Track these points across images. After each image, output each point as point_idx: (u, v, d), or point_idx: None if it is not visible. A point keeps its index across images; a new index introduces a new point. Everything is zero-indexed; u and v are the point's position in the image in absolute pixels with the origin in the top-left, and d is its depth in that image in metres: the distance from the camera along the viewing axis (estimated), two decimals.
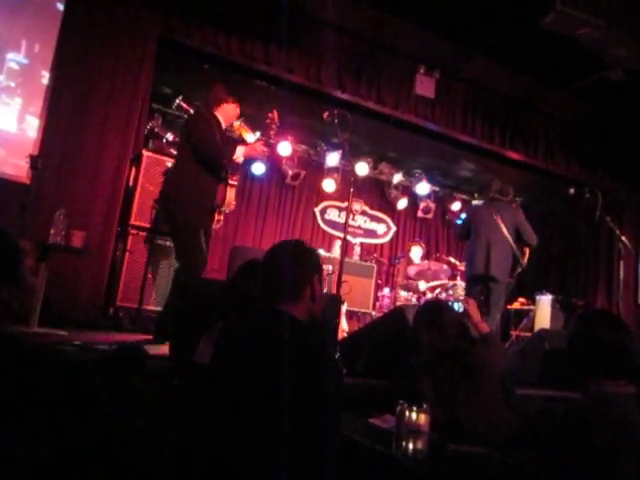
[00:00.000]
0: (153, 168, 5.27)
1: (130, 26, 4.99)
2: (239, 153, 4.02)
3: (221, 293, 2.70)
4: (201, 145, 3.86)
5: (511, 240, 4.93)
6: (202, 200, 3.91)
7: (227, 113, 4.14)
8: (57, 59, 4.69)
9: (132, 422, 1.84)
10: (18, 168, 4.44)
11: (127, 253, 5.06)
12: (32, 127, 4.62)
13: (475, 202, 8.31)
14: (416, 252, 7.61)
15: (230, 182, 4.22)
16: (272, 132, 4.33)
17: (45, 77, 4.69)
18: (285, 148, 7.36)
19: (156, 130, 6.35)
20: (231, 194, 4.19)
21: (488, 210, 5.08)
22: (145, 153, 5.28)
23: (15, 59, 4.63)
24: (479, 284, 5.02)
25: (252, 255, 4.27)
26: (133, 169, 5.21)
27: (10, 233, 1.46)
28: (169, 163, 5.31)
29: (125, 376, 2.11)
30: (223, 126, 4.14)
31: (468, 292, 5.23)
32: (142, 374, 2.23)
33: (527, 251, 5.14)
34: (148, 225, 5.10)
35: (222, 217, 4.33)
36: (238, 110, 4.21)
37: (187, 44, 5.30)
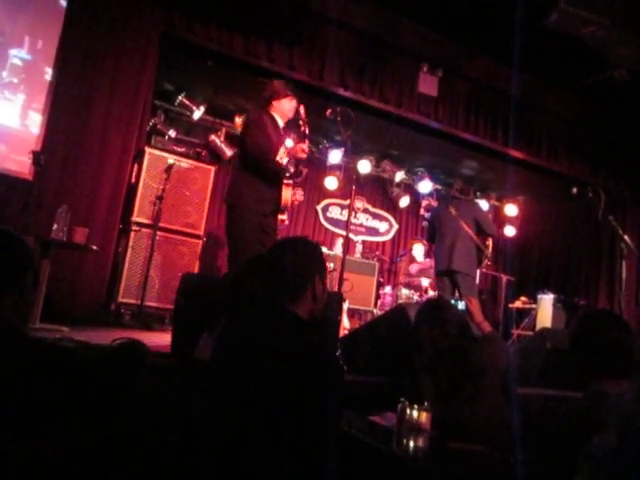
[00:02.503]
0: (155, 165, 5.28)
1: (133, 22, 4.99)
2: (282, 154, 3.84)
3: (224, 290, 2.69)
4: (254, 154, 3.75)
5: (472, 233, 5.20)
6: (259, 206, 3.77)
7: (282, 109, 3.96)
8: (60, 55, 4.69)
9: (132, 419, 1.84)
10: (21, 164, 4.44)
11: (129, 249, 5.07)
12: (35, 123, 4.62)
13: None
14: (418, 249, 7.60)
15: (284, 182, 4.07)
16: (302, 128, 4.14)
17: (48, 73, 4.69)
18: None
19: (158, 127, 6.37)
20: (287, 193, 3.95)
21: (448, 209, 5.37)
22: (147, 150, 5.29)
23: (18, 55, 4.63)
24: (445, 278, 5.34)
25: None
26: (135, 166, 5.21)
27: (23, 239, 1.44)
28: (171, 160, 5.31)
29: (125, 372, 2.11)
30: (280, 123, 3.98)
31: (438, 286, 5.64)
32: (143, 370, 2.23)
33: (490, 241, 5.51)
34: (150, 221, 5.11)
35: (286, 216, 4.10)
36: (295, 102, 3.98)
37: (190, 41, 5.28)
